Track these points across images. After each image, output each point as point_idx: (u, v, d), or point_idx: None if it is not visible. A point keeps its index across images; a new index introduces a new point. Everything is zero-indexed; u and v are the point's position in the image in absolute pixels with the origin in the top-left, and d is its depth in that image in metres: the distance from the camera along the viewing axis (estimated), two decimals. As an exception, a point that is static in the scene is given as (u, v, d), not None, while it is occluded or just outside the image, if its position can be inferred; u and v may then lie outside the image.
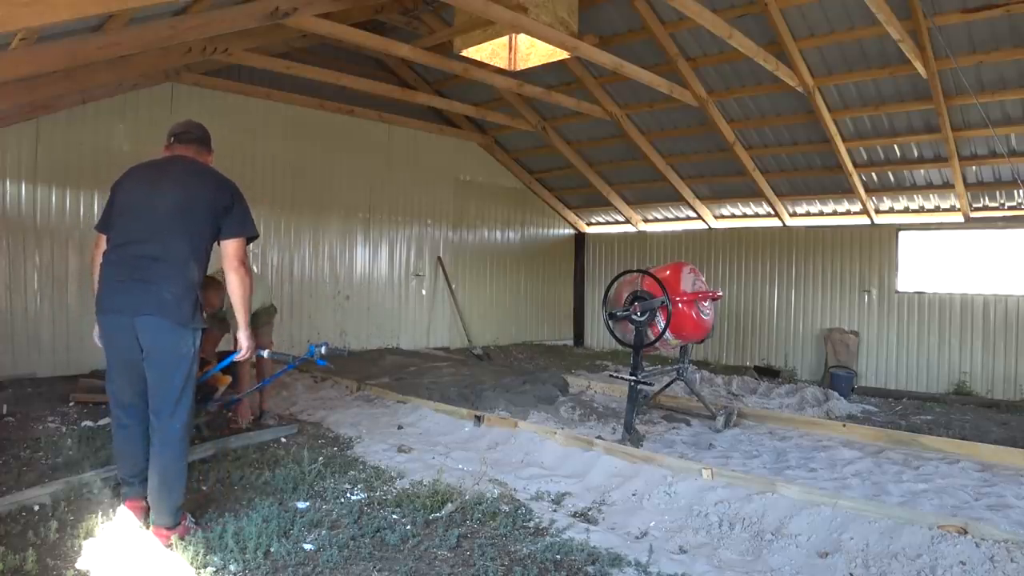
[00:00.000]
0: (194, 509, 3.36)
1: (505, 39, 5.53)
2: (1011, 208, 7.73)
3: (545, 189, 11.46)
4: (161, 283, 2.91)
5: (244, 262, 3.12)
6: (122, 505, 3.10)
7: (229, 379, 4.64)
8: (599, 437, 4.95)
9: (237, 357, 3.42)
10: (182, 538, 2.95)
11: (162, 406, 2.96)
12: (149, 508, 3.03)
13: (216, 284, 3.86)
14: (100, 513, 3.16)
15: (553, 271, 11.98)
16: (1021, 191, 7.40)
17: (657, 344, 5.46)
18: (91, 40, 4.48)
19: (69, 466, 3.90)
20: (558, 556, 2.99)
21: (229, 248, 3.09)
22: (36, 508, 3.29)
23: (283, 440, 4.78)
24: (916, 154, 7.62)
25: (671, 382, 6.29)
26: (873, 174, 8.15)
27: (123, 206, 3.07)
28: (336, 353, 4.45)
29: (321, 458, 4.25)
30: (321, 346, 4.28)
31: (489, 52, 5.72)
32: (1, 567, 2.62)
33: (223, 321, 4.56)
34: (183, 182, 3.06)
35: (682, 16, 6.19)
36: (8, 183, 6.43)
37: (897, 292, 8.59)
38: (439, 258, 10.24)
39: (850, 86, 6.98)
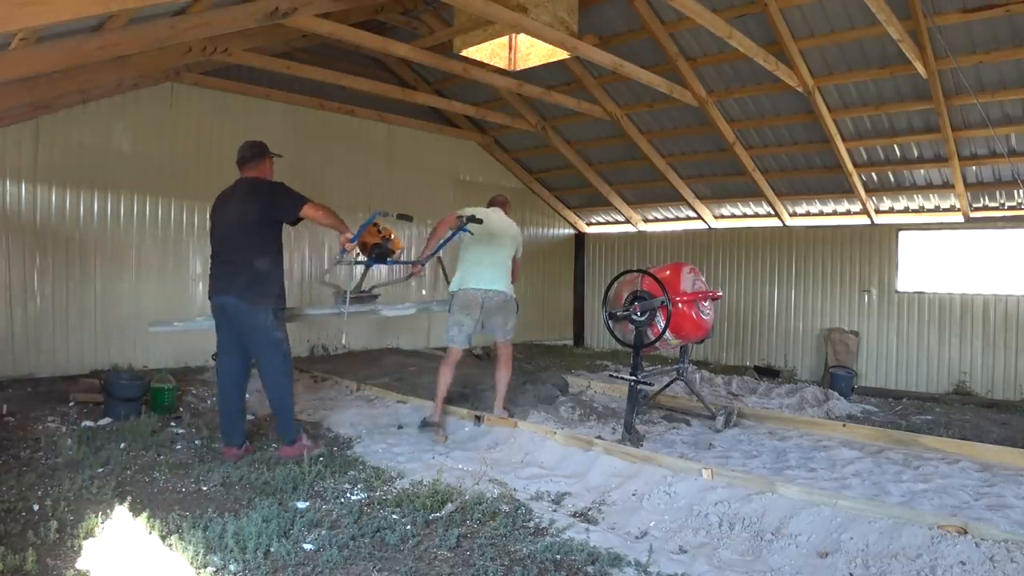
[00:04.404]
0: (194, 509, 3.36)
1: (505, 39, 5.53)
2: (1011, 208, 7.72)
3: (545, 189, 11.45)
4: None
5: (317, 207, 4.13)
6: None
7: (403, 244, 5.14)
8: (599, 437, 4.95)
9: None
10: (309, 455, 4.12)
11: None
12: (244, 451, 4.27)
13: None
14: (100, 513, 3.16)
15: (553, 271, 11.96)
16: (1021, 191, 7.39)
17: (657, 344, 5.46)
18: (91, 40, 4.47)
19: (69, 466, 3.91)
20: (558, 556, 2.99)
21: (305, 215, 4.15)
22: (36, 508, 3.30)
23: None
24: (916, 154, 7.61)
25: (671, 382, 6.29)
26: (873, 174, 8.15)
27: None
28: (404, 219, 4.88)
29: (321, 458, 4.25)
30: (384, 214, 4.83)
31: (489, 52, 5.71)
32: (1, 567, 2.62)
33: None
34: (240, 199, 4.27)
35: (682, 16, 6.19)
36: (8, 183, 6.43)
37: (897, 292, 8.59)
38: (439, 258, 10.21)
39: (850, 86, 6.98)
